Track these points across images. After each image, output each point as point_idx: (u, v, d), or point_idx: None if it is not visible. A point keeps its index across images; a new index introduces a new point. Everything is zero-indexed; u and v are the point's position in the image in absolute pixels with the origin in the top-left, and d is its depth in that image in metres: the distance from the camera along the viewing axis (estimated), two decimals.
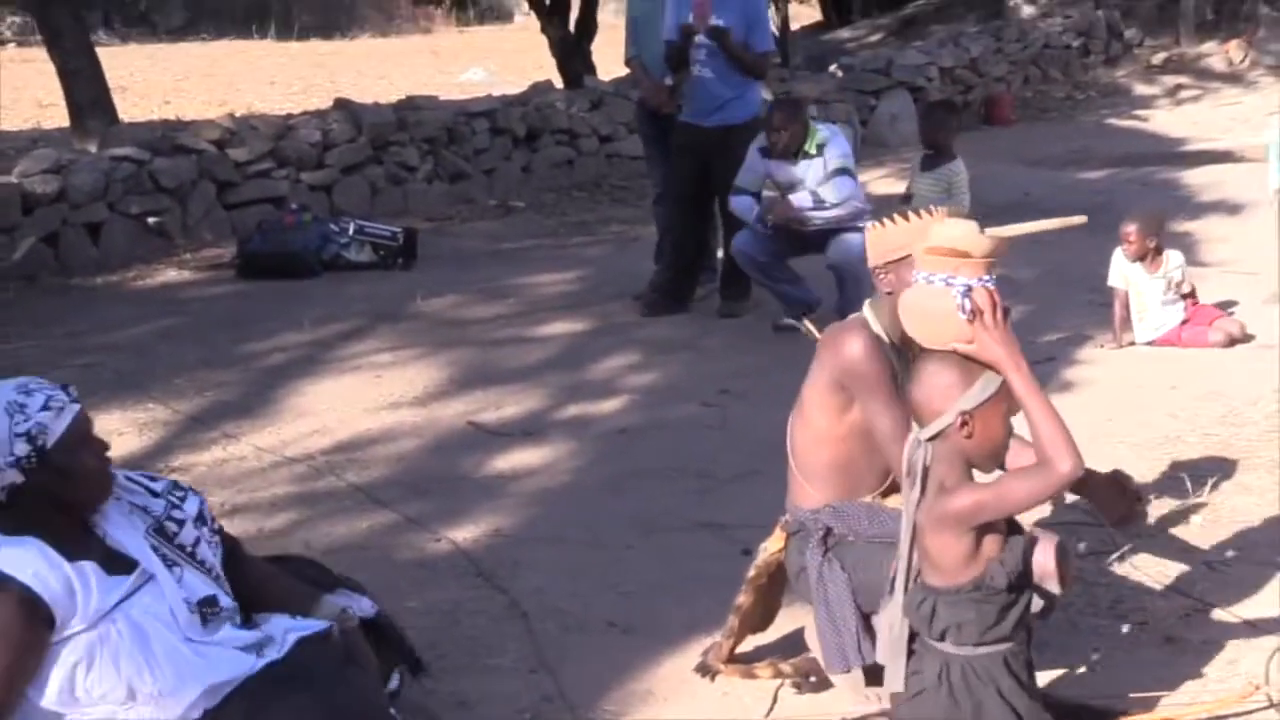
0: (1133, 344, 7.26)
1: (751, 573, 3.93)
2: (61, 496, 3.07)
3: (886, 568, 3.38)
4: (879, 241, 3.69)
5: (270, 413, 6.64)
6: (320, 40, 29.19)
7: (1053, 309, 7.95)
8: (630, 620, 4.38)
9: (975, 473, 3.01)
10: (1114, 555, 4.59)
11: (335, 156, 11.69)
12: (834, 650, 3.66)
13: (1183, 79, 18.89)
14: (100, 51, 13.79)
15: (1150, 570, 4.50)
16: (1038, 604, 3.21)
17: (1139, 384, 6.60)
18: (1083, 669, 3.94)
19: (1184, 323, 7.23)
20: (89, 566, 3.01)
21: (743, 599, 3.93)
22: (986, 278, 3.00)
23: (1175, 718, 3.52)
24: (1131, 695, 3.68)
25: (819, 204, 7.49)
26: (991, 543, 2.95)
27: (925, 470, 2.97)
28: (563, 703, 3.87)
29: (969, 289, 2.95)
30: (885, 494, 3.77)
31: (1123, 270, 7.27)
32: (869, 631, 3.60)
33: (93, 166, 10.20)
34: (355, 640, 3.37)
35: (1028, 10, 21.21)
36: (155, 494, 3.31)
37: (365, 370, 7.32)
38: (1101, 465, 5.28)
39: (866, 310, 3.78)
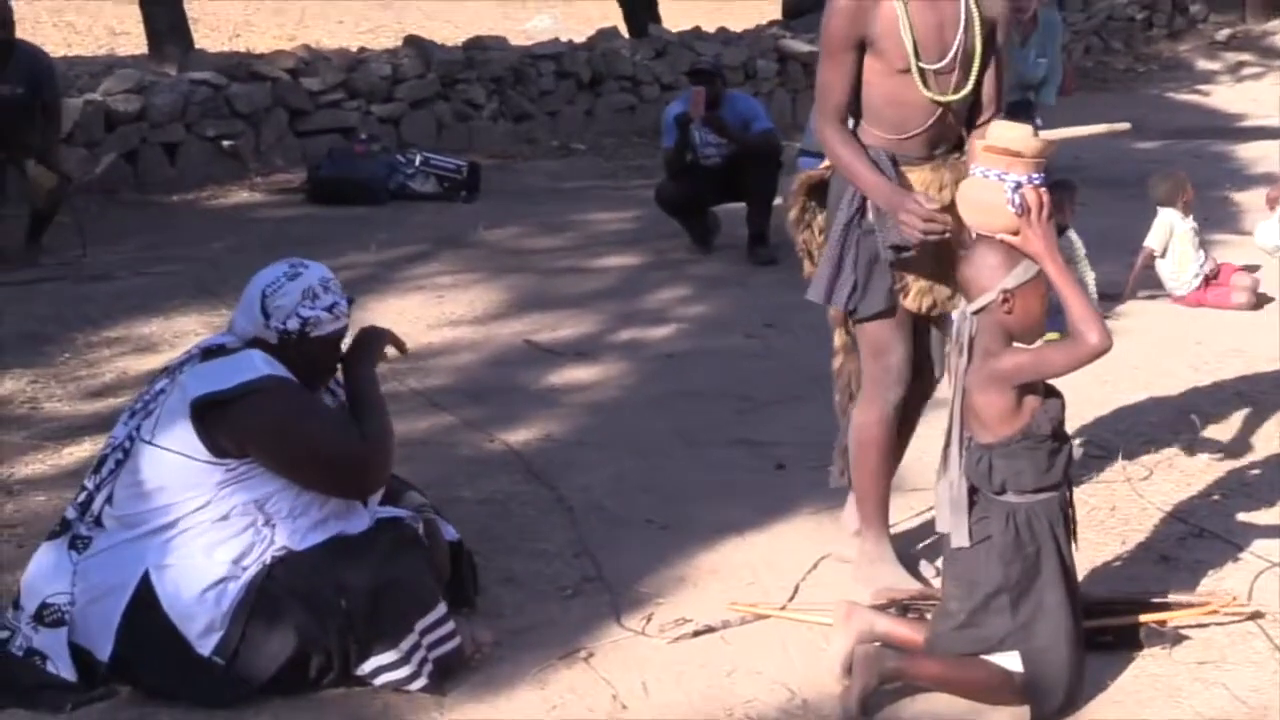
0: (1152, 297, 7.59)
1: (794, 185, 4.26)
2: (292, 370, 3.59)
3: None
4: None
5: None
6: None
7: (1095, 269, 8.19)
8: (667, 518, 4.73)
9: None
10: (1122, 485, 4.92)
11: (405, 91, 12.04)
12: (824, 281, 4.02)
13: (1246, 56, 18.95)
14: None
15: (1155, 500, 4.80)
16: (1078, 453, 3.60)
17: (1166, 338, 6.88)
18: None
19: (1210, 283, 7.53)
20: None
21: (792, 212, 4.23)
22: (1036, 176, 3.39)
23: (1159, 618, 3.83)
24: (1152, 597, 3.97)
25: None
26: (1032, 400, 3.41)
27: (971, 340, 3.41)
28: (602, 583, 4.22)
29: (1019, 185, 3.35)
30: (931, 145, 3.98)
31: (1171, 225, 7.56)
32: (859, 293, 3.99)
33: (173, 89, 10.60)
34: (433, 530, 3.87)
35: None
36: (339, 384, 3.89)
37: (428, 290, 7.70)
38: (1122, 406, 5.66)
39: None
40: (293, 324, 3.57)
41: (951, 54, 3.90)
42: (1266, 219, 7.86)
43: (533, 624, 3.97)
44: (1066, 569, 3.48)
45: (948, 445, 3.50)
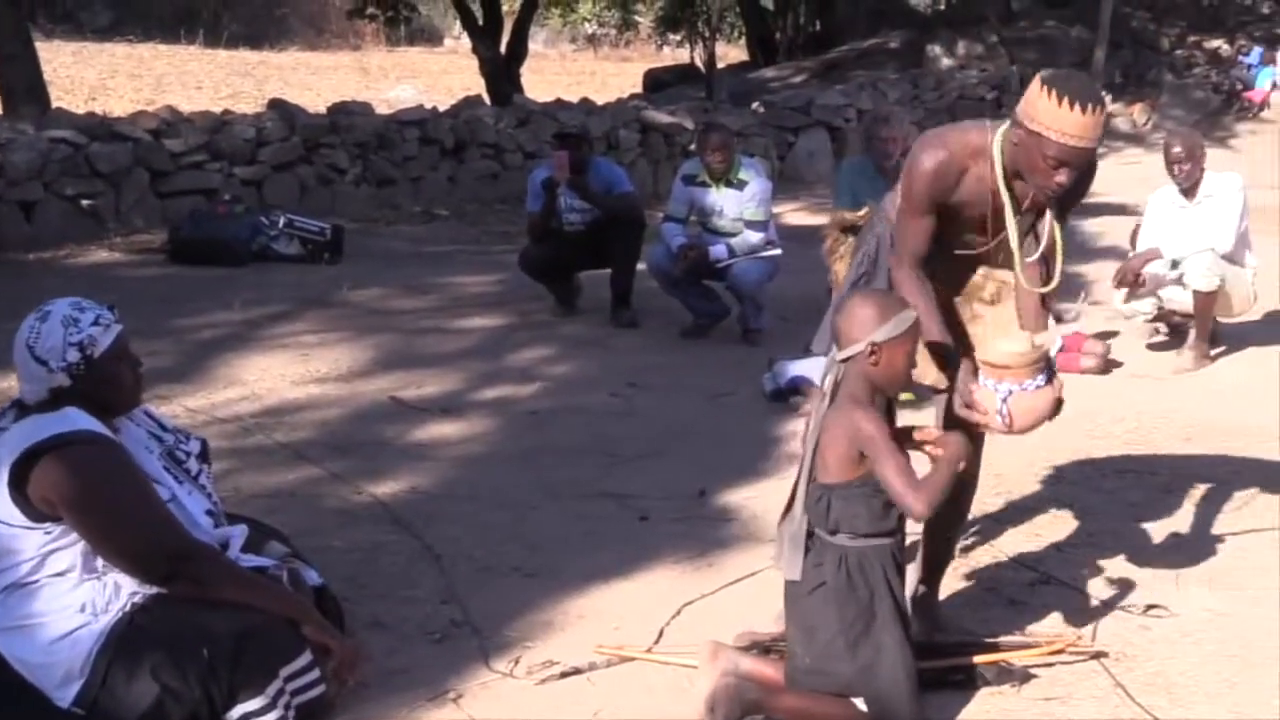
0: None
1: (830, 221, 4.63)
2: (100, 401, 3.55)
3: None
4: None
5: (200, 379, 7.02)
6: (248, 50, 29.27)
7: None
8: (534, 567, 4.80)
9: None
10: (973, 536, 5.09)
11: (268, 154, 12.06)
12: (828, 334, 3.97)
13: None
14: None
15: (1005, 549, 4.99)
16: None
17: None
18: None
19: (1060, 350, 7.81)
20: None
21: (827, 243, 4.33)
22: (1030, 383, 3.63)
23: (1008, 658, 3.98)
24: (993, 640, 4.14)
25: (732, 255, 8.09)
26: None
27: (837, 386, 3.55)
28: (470, 628, 4.27)
29: (1010, 394, 3.62)
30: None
31: None
32: None
33: (31, 146, 10.49)
34: (297, 579, 3.88)
35: (946, 61, 21.99)
36: (165, 429, 3.89)
37: (292, 348, 7.71)
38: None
39: (997, 138, 3.84)
40: (72, 355, 3.49)
41: (995, 241, 3.95)
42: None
43: (401, 667, 4.00)
44: (901, 612, 3.60)
45: (797, 483, 3.62)
